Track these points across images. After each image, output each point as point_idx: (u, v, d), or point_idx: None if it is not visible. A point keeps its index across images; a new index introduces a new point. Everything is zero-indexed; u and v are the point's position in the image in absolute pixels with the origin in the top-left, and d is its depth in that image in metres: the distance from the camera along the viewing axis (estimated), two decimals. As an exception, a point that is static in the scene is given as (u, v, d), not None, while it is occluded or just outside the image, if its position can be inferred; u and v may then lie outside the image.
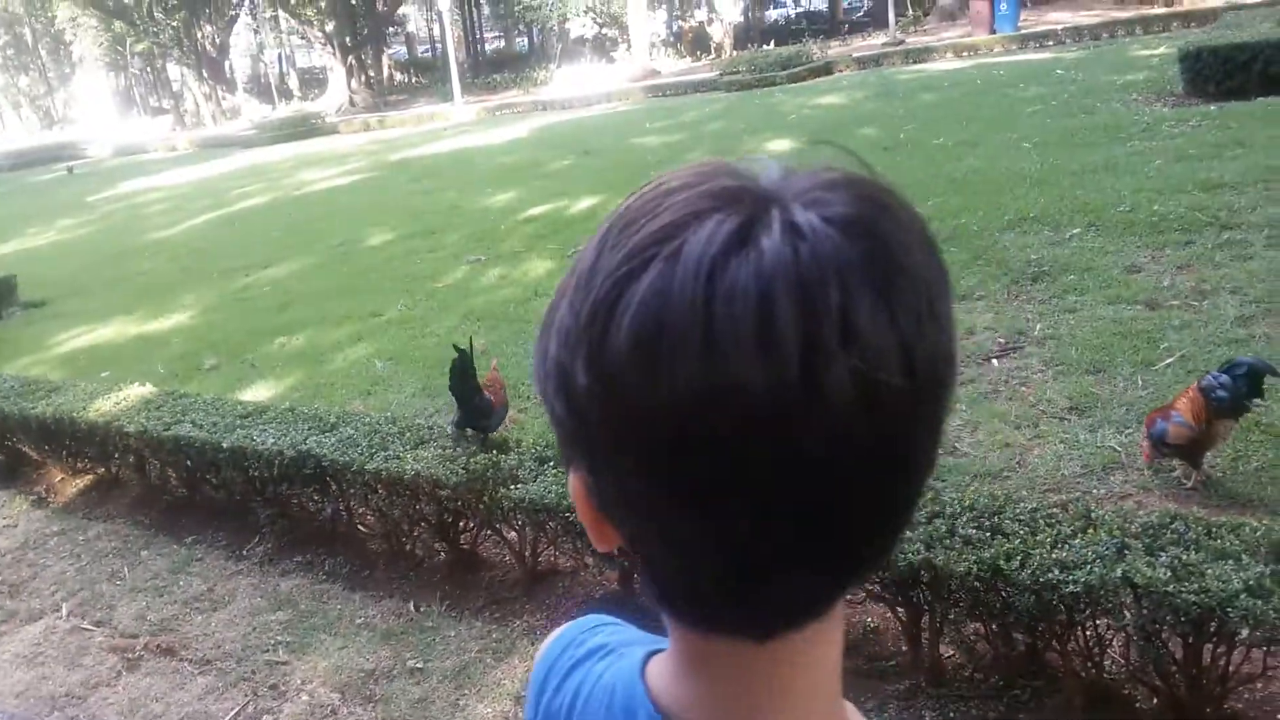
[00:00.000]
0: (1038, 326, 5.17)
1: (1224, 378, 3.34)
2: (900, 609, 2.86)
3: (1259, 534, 2.53)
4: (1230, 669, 2.48)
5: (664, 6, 38.41)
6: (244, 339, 7.70)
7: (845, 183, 0.46)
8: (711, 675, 0.55)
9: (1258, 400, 3.42)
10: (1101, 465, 3.75)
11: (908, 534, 2.72)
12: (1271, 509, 3.25)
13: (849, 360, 0.42)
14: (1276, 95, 9.65)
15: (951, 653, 2.90)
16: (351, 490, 3.91)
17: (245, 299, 9.23)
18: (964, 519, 2.79)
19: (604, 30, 33.12)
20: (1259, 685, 2.55)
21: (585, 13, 31.35)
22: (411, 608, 3.58)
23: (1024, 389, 4.50)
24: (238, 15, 39.88)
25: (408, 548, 3.89)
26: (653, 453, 0.45)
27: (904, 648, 2.93)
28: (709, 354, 0.42)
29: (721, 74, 22.25)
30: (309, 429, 4.15)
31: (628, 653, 0.63)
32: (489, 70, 36.59)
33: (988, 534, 2.71)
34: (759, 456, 0.43)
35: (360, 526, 4.08)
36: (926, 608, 2.80)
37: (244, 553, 4.23)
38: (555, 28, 35.45)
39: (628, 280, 0.45)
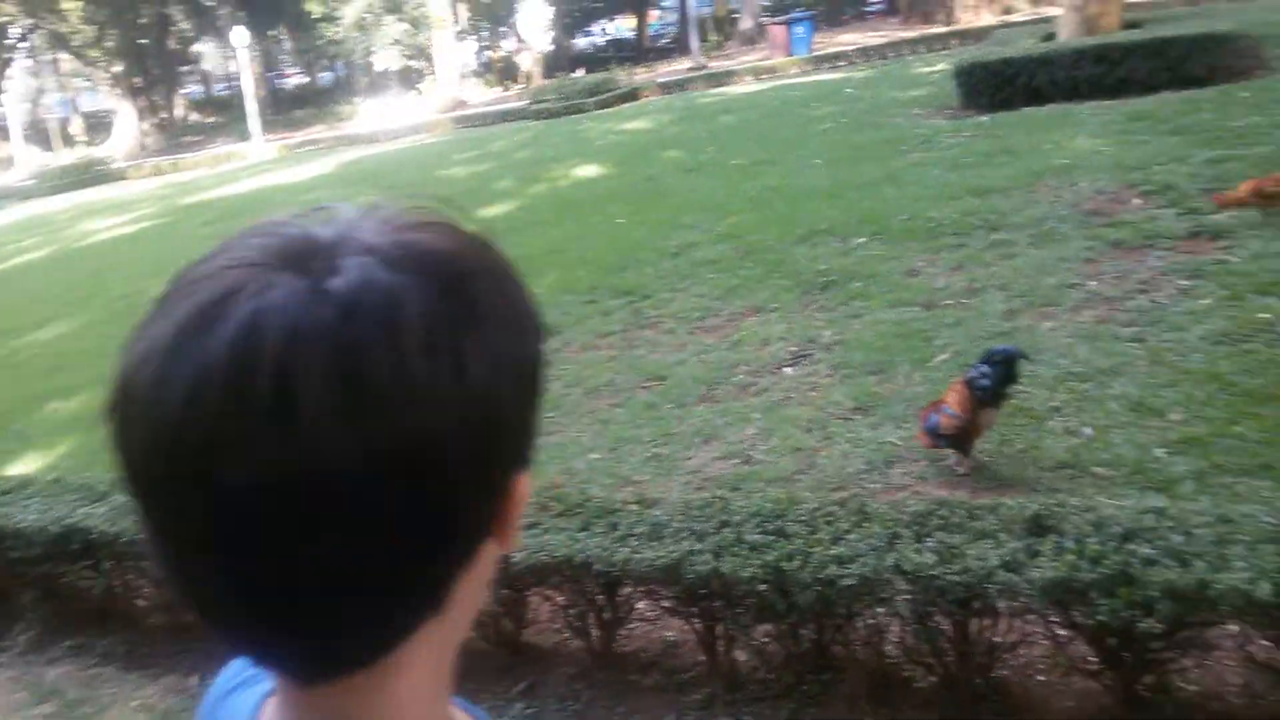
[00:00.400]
0: (826, 333, 5.37)
1: (984, 368, 3.56)
2: (695, 620, 2.89)
3: (1014, 511, 2.68)
4: (995, 640, 2.62)
5: (473, 37, 38.28)
6: (10, 407, 7.08)
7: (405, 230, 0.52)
8: (296, 706, 0.55)
9: (1016, 386, 3.65)
10: (883, 460, 3.92)
11: (698, 545, 2.76)
12: (1031, 487, 3.48)
13: (345, 423, 0.44)
14: (1038, 105, 10.47)
15: (745, 657, 2.94)
16: (125, 562, 3.62)
17: (13, 364, 8.51)
18: (749, 525, 2.84)
19: (411, 62, 32.69)
20: (1020, 651, 2.69)
21: (392, 44, 30.85)
22: (194, 681, 3.34)
23: (813, 394, 4.66)
24: (12, 59, 37.13)
25: (189, 619, 3.62)
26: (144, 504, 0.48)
27: (701, 658, 2.95)
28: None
29: (530, 103, 22.31)
30: (77, 500, 3.83)
31: (264, 683, 0.62)
32: (290, 106, 35.46)
33: (772, 537, 2.77)
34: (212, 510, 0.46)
35: (137, 601, 3.78)
36: (718, 616, 2.83)
37: (3, 643, 3.84)
38: (360, 61, 34.74)
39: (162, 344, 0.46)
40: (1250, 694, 2.44)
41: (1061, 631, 2.54)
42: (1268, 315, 4.45)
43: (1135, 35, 11.18)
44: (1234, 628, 2.41)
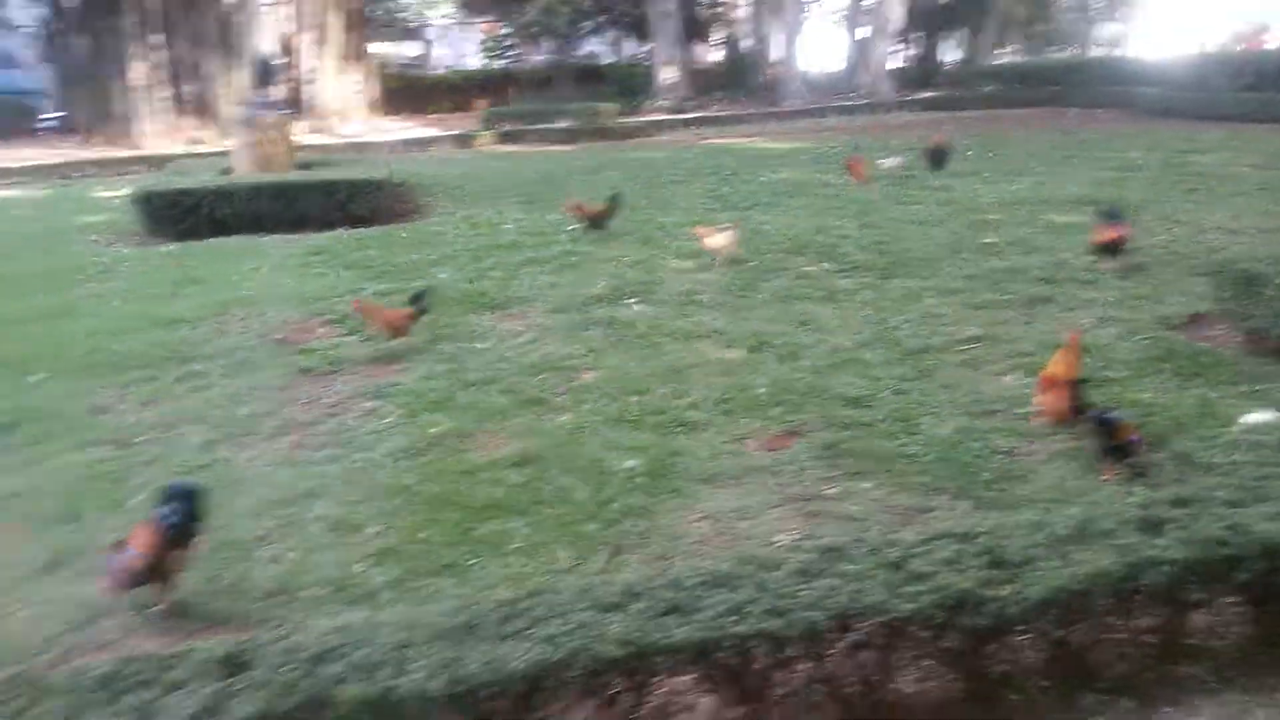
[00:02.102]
0: (7, 482, 4.73)
1: (172, 505, 3.50)
2: None
3: (208, 654, 2.67)
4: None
5: None
6: None
7: None
8: None
9: (202, 522, 3.65)
10: (86, 616, 3.59)
11: None
12: (244, 620, 3.49)
13: None
14: (224, 235, 10.71)
15: None
16: None
17: None
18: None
19: None
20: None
21: None
22: None
23: (-12, 559, 4.05)
24: None
25: None
26: None
27: None
28: None
29: None
30: None
31: None
32: None
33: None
34: None
35: None
36: None
37: None
38: None
39: None
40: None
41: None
42: (437, 429, 5.18)
43: (306, 175, 12.26)
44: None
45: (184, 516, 3.51)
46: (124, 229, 11.62)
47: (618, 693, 2.78)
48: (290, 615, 3.49)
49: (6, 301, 8.25)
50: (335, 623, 2.93)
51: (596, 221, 10.14)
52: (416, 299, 6.63)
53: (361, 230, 10.93)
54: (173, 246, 10.47)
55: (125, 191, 14.24)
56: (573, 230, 10.28)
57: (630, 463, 4.68)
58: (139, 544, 3.43)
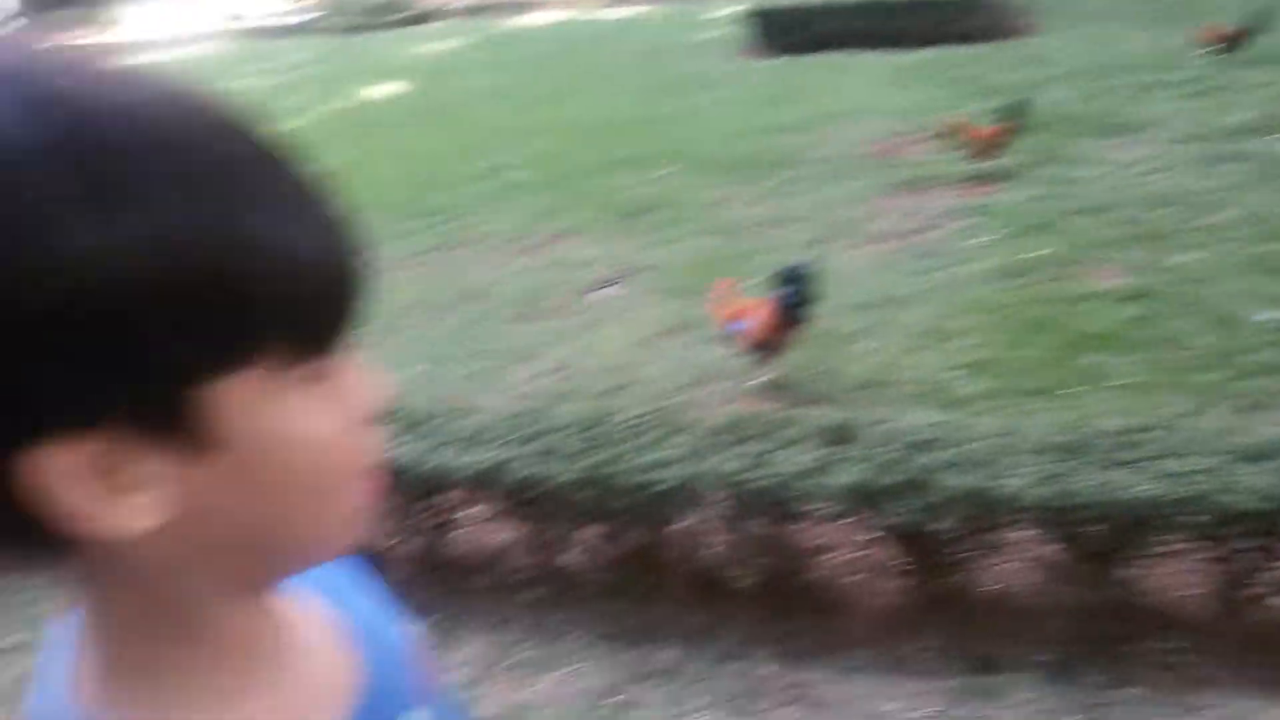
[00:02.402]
0: (640, 257, 5.49)
1: (787, 287, 3.75)
2: (521, 524, 2.94)
3: (818, 422, 2.88)
4: (807, 542, 2.82)
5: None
6: None
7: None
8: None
9: (813, 306, 3.87)
10: (697, 378, 4.09)
11: (518, 450, 2.80)
12: (838, 403, 3.72)
13: None
14: (828, 51, 10.94)
15: (574, 559, 3.03)
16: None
17: None
18: (568, 433, 2.90)
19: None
20: (834, 554, 2.90)
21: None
22: None
23: (629, 314, 4.77)
24: None
25: None
26: None
27: (530, 560, 3.01)
28: None
29: (316, 19, 21.10)
30: None
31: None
32: (54, 6, 31.81)
33: (591, 445, 2.84)
34: None
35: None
36: (544, 520, 2.90)
37: None
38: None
39: None
40: (1040, 589, 2.72)
41: (866, 536, 2.76)
42: (1036, 253, 4.92)
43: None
44: (1028, 532, 2.66)
45: (798, 297, 3.75)
46: (734, 44, 12.39)
47: (1238, 550, 2.49)
48: (881, 407, 3.63)
49: (638, 107, 9.34)
50: (930, 418, 2.99)
51: (1233, 44, 8.55)
52: (1009, 114, 6.18)
53: (962, 48, 10.44)
54: (778, 60, 10.95)
55: (733, 10, 15.18)
56: (1205, 54, 8.80)
57: (1268, 314, 4.03)
58: (758, 316, 3.76)
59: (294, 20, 22.52)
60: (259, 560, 0.49)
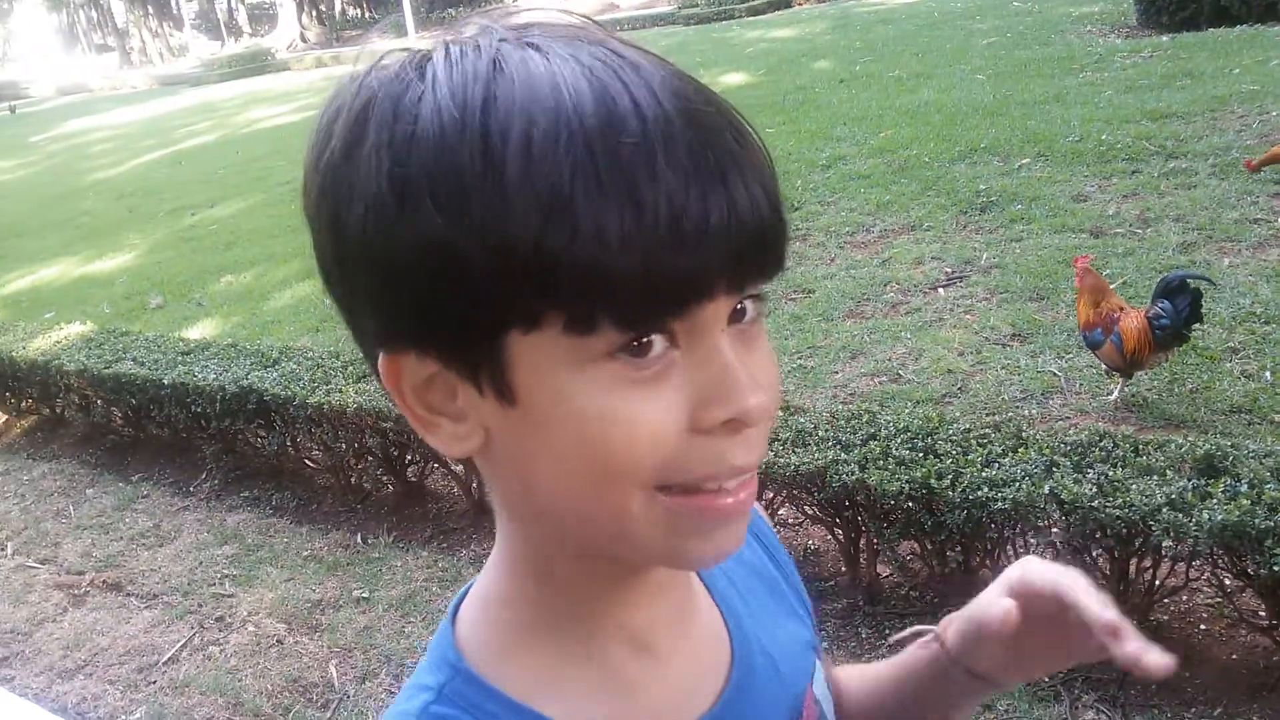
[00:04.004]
0: (984, 255, 5.20)
1: (1165, 304, 3.34)
2: (838, 530, 2.91)
3: (1184, 450, 2.56)
4: (1155, 582, 2.55)
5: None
6: (190, 278, 7.57)
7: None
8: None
9: (1196, 326, 3.44)
10: (1040, 390, 3.81)
11: (845, 454, 2.77)
12: (1202, 428, 3.33)
13: None
14: (1227, 26, 9.69)
15: (888, 572, 2.96)
16: (296, 425, 3.88)
17: (191, 238, 9.05)
18: (898, 440, 2.82)
19: (560, -39, 32.30)
20: (1183, 597, 2.62)
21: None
22: (358, 539, 3.59)
23: (968, 316, 4.55)
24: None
25: (354, 481, 3.89)
26: None
27: (843, 568, 2.98)
28: None
29: (680, 7, 21.93)
30: (251, 365, 4.11)
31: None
32: (448, 4, 35.66)
33: (921, 454, 2.74)
34: None
35: (307, 461, 4.06)
36: (863, 528, 2.85)
37: (190, 489, 4.20)
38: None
39: None
40: None
41: (1229, 580, 2.46)
42: None
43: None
44: None
45: (1177, 318, 3.35)
46: (1116, 20, 11.35)
47: None
48: (1254, 435, 3.19)
49: (998, 91, 8.78)
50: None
51: None
52: None
53: None
54: (1165, 38, 9.86)
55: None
56: None
57: None
58: (1126, 331, 3.40)
59: (657, 10, 23.55)
60: (557, 523, 0.52)
